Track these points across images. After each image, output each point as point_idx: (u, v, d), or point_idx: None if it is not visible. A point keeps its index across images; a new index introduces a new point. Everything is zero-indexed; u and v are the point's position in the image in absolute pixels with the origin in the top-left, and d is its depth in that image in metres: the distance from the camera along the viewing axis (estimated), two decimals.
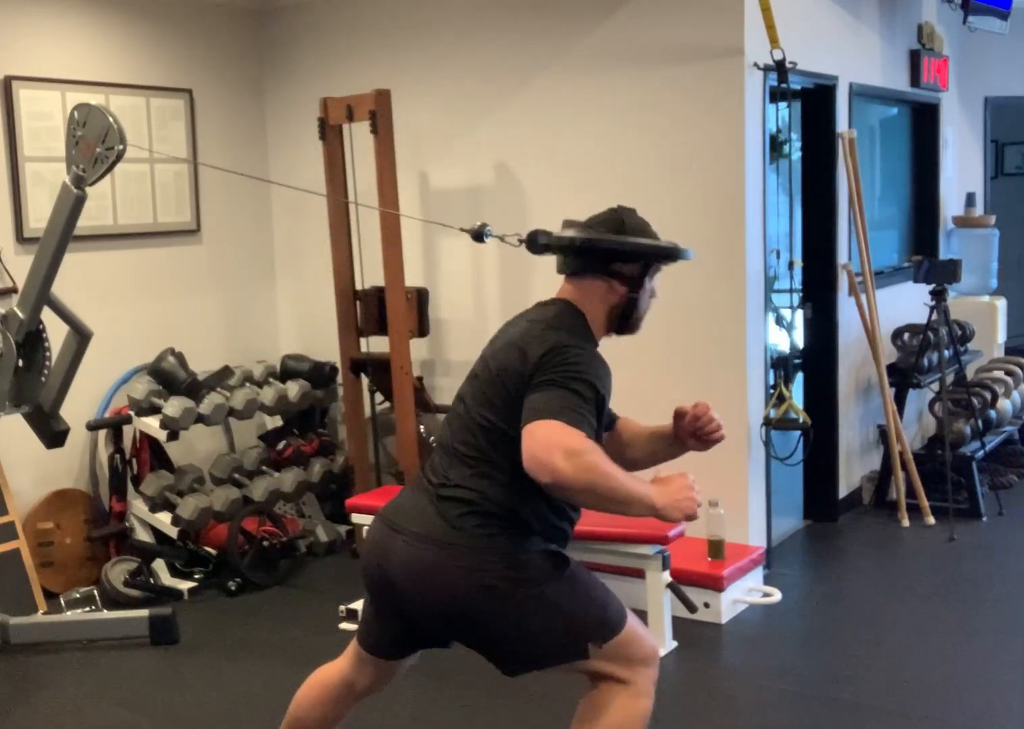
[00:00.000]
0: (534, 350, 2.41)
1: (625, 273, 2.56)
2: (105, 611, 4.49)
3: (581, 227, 2.61)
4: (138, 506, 4.89)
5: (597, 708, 2.54)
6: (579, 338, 2.50)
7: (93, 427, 4.93)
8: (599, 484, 2.23)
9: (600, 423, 2.44)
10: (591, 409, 2.35)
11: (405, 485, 2.72)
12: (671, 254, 2.58)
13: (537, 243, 2.64)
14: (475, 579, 2.43)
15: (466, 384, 2.60)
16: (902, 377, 5.79)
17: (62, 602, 4.61)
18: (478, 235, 2.89)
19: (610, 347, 5.19)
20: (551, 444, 2.22)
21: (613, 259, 2.54)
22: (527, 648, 2.52)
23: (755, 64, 4.56)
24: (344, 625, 4.31)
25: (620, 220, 2.58)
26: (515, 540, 2.49)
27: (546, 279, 5.04)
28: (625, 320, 2.65)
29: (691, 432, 2.69)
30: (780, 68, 4.55)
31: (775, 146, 4.94)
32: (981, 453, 5.72)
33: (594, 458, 2.23)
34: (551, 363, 2.38)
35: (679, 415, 2.71)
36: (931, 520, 5.44)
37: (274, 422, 5.59)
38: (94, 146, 3.65)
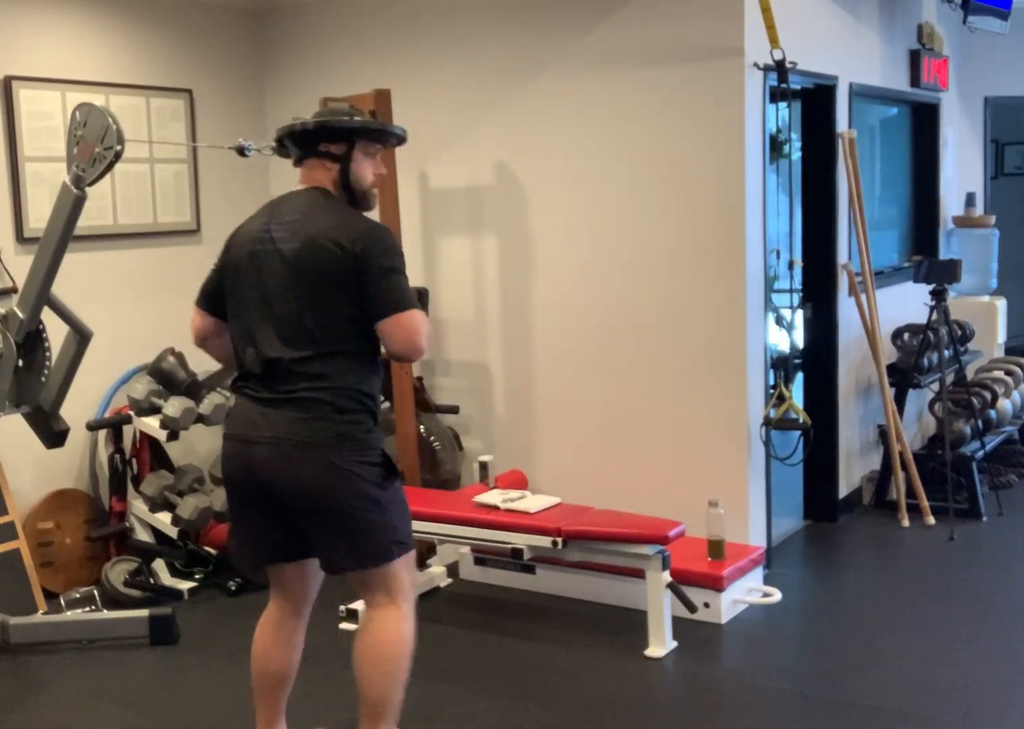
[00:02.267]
0: (359, 244, 2.76)
1: (335, 152, 2.93)
2: (105, 611, 4.49)
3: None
4: (138, 506, 4.89)
5: (371, 627, 2.90)
6: (360, 215, 2.93)
7: (93, 427, 4.93)
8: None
9: None
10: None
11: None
12: (370, 131, 2.96)
13: (280, 143, 3.09)
14: (332, 469, 2.78)
15: (261, 291, 2.85)
16: (902, 377, 5.79)
17: (62, 602, 4.60)
18: (240, 150, 3.68)
19: (610, 347, 5.22)
20: (421, 332, 2.78)
21: (319, 140, 2.93)
22: (364, 538, 2.83)
23: (755, 64, 4.56)
24: (344, 625, 4.31)
25: (331, 109, 3.09)
26: (369, 436, 2.85)
27: (546, 279, 5.06)
28: (349, 193, 2.94)
29: None
30: (780, 68, 4.55)
31: (775, 146, 4.94)
32: (981, 453, 5.72)
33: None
34: (382, 254, 2.78)
35: None
36: (931, 520, 5.44)
37: None
38: (93, 146, 3.65)
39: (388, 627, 2.88)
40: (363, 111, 3.12)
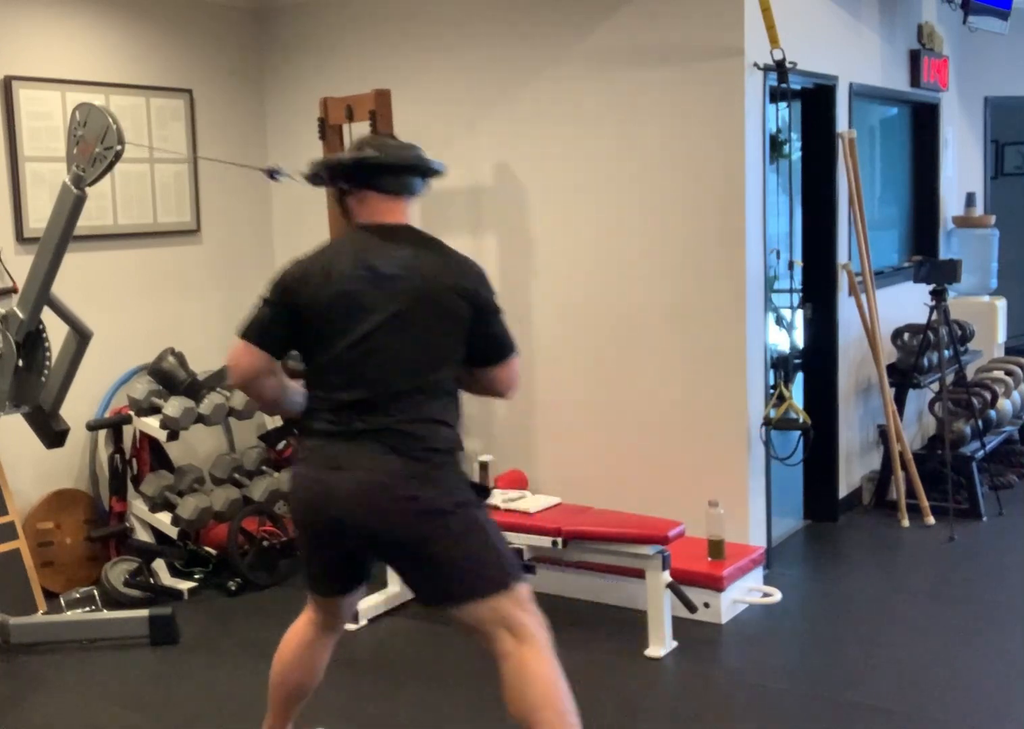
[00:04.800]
0: (484, 288, 2.76)
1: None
2: (105, 611, 4.50)
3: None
4: (138, 506, 4.89)
5: (519, 670, 2.63)
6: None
7: (93, 427, 4.93)
8: None
9: None
10: None
11: None
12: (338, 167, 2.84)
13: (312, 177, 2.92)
14: (425, 510, 2.62)
15: (387, 326, 2.69)
16: (902, 377, 5.79)
17: (62, 602, 4.61)
18: (270, 174, 3.58)
19: (610, 347, 5.22)
20: (518, 374, 2.85)
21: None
22: (458, 573, 2.64)
23: (755, 64, 4.56)
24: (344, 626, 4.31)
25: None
26: (456, 467, 2.74)
27: (546, 279, 5.06)
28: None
29: None
30: (780, 68, 4.55)
31: (775, 146, 4.94)
32: (981, 453, 5.72)
33: None
34: (494, 296, 2.79)
35: None
36: (931, 520, 5.44)
37: (274, 422, 5.58)
38: (93, 146, 3.65)
39: (529, 670, 2.63)
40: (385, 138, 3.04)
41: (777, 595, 4.43)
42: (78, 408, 4.69)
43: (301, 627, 3.00)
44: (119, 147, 3.62)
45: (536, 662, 2.63)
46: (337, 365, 2.71)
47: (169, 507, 4.85)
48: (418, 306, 2.67)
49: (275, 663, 3.02)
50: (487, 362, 2.78)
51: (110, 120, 3.62)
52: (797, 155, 5.51)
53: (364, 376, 2.67)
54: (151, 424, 4.82)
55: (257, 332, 2.75)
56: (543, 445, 5.14)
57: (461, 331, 2.71)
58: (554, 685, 2.63)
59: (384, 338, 2.67)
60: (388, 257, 2.70)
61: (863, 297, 5.48)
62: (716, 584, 4.25)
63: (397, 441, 2.63)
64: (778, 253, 4.97)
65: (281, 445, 5.36)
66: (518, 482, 4.94)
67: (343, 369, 2.70)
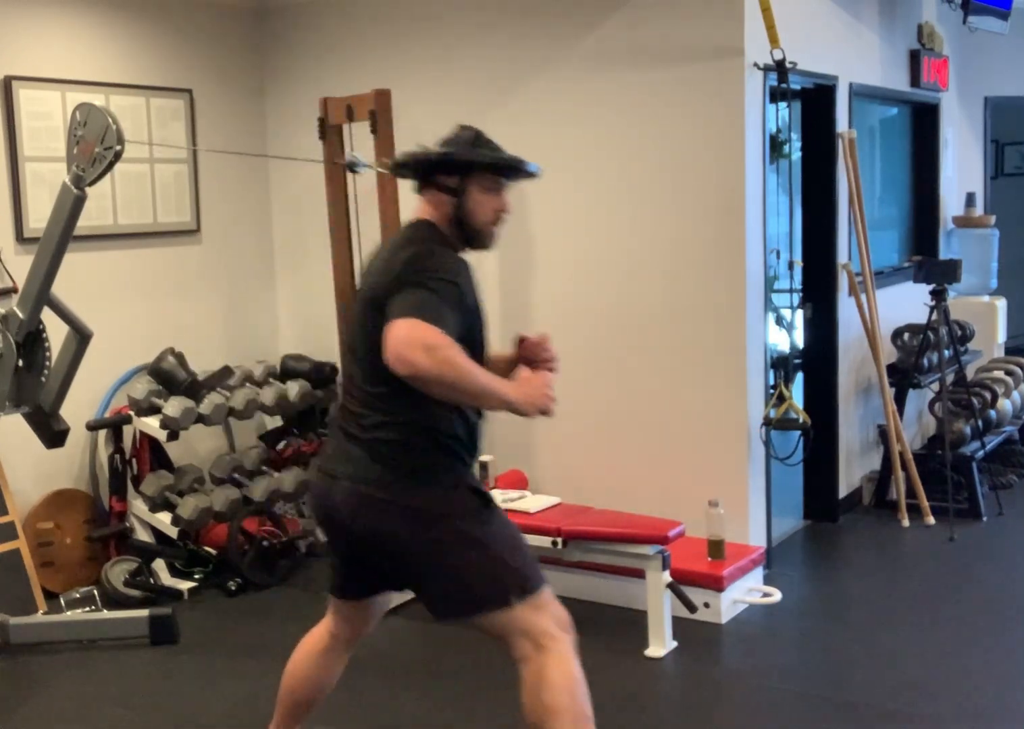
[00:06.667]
0: (395, 267, 2.55)
1: (449, 184, 2.69)
2: (105, 611, 4.49)
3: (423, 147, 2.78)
4: (138, 506, 4.89)
5: (536, 681, 2.57)
6: (437, 246, 2.63)
7: (93, 427, 4.93)
8: (454, 376, 2.37)
9: (464, 321, 2.54)
10: (450, 307, 2.47)
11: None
12: (486, 164, 2.70)
13: (398, 167, 2.80)
14: (402, 513, 2.57)
15: (348, 330, 2.76)
16: (902, 377, 5.79)
17: (62, 602, 4.61)
18: (350, 166, 3.27)
19: (610, 347, 5.22)
20: (411, 339, 2.35)
21: (434, 172, 2.70)
22: (452, 587, 2.60)
23: (755, 64, 4.56)
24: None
25: (454, 137, 2.78)
26: (442, 470, 2.62)
27: (546, 279, 5.06)
28: (459, 229, 2.71)
29: (526, 358, 2.81)
30: (780, 68, 4.55)
31: (775, 146, 4.94)
32: (981, 453, 5.72)
33: (449, 352, 2.36)
34: (410, 271, 2.51)
35: (520, 341, 2.85)
36: (931, 520, 5.44)
37: (274, 422, 5.59)
38: (93, 146, 3.65)
39: (546, 676, 2.56)
40: (489, 141, 2.79)
41: (777, 595, 4.43)
42: (78, 408, 4.68)
43: (317, 634, 2.96)
44: (119, 147, 3.62)
45: (554, 668, 2.57)
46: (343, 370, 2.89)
47: (169, 507, 4.85)
48: (360, 307, 2.66)
49: (287, 671, 2.97)
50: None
51: (110, 120, 3.62)
52: (797, 155, 5.51)
53: (347, 381, 2.79)
54: (151, 424, 4.82)
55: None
56: (543, 445, 5.14)
57: (383, 314, 2.48)
58: (571, 692, 2.57)
59: (354, 338, 2.73)
60: (375, 255, 2.78)
61: (863, 297, 5.48)
62: (716, 584, 4.25)
63: (366, 447, 2.64)
64: (778, 253, 4.97)
65: (281, 445, 5.36)
66: (518, 482, 4.94)
67: (344, 375, 2.86)
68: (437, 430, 2.60)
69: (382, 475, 2.59)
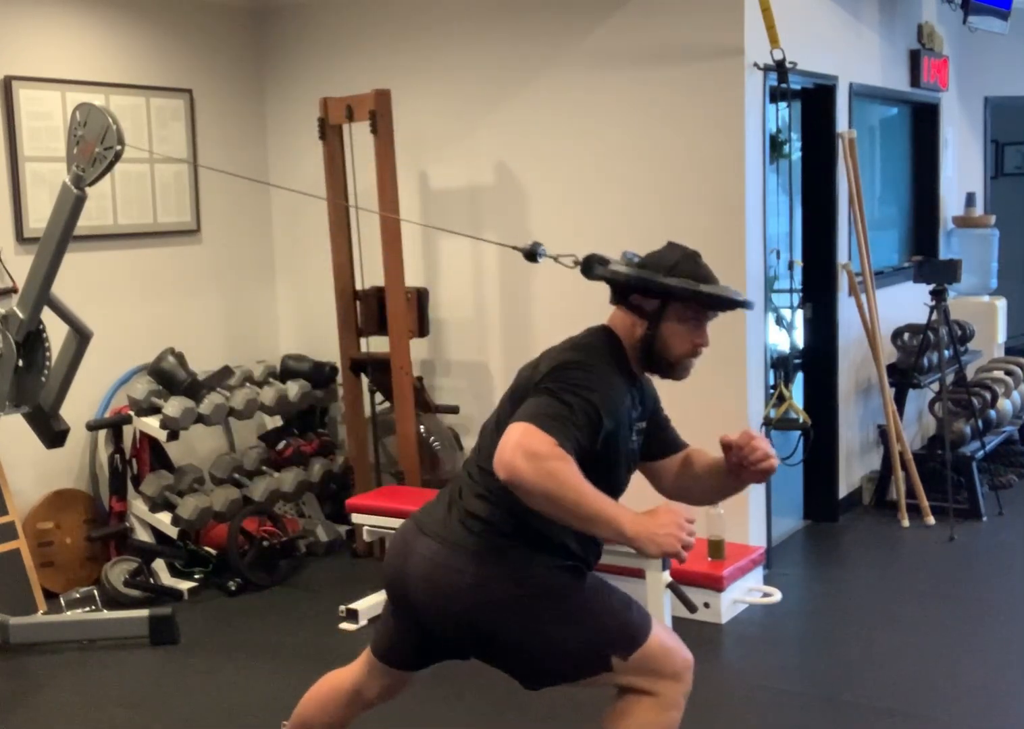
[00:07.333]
0: (544, 364, 2.39)
1: (645, 308, 2.46)
2: (105, 611, 4.49)
3: (628, 262, 2.52)
4: (138, 506, 4.89)
5: (620, 715, 2.48)
6: (596, 358, 2.41)
7: (93, 427, 4.93)
8: (557, 492, 2.16)
9: (596, 441, 2.34)
10: (581, 423, 2.27)
11: (436, 491, 2.68)
12: (687, 295, 2.41)
13: (591, 270, 2.53)
14: (481, 594, 2.39)
15: (500, 403, 2.54)
16: (902, 377, 5.79)
17: (62, 602, 4.61)
18: (531, 254, 2.76)
19: None
20: (517, 444, 2.17)
21: (631, 292, 2.46)
22: (545, 662, 2.45)
23: (755, 64, 4.56)
24: (344, 625, 4.31)
25: (662, 256, 2.49)
26: (525, 554, 2.43)
27: (546, 281, 5.06)
28: (648, 356, 2.49)
29: (738, 463, 2.57)
30: (780, 68, 4.55)
31: (775, 146, 4.94)
32: (981, 453, 5.72)
33: (557, 465, 2.16)
34: (553, 375, 2.33)
35: (725, 447, 2.59)
36: (931, 520, 5.44)
37: (274, 422, 5.59)
38: (93, 146, 3.65)
39: (637, 715, 2.47)
40: (698, 265, 2.47)
41: (777, 595, 4.43)
42: (78, 408, 4.68)
43: (339, 684, 2.77)
44: (119, 147, 3.62)
45: (649, 711, 2.48)
46: None
47: (169, 507, 4.84)
48: (509, 390, 2.51)
49: (304, 705, 2.80)
50: None
51: (110, 120, 3.61)
52: (797, 155, 5.51)
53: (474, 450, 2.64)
54: (151, 424, 4.82)
55: None
56: None
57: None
58: None
59: (493, 417, 2.56)
60: None
61: (863, 297, 5.48)
62: (716, 584, 4.25)
63: (462, 517, 2.48)
64: (778, 253, 4.97)
65: (281, 445, 5.36)
66: None
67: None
68: (545, 536, 2.43)
69: (468, 545, 2.42)
